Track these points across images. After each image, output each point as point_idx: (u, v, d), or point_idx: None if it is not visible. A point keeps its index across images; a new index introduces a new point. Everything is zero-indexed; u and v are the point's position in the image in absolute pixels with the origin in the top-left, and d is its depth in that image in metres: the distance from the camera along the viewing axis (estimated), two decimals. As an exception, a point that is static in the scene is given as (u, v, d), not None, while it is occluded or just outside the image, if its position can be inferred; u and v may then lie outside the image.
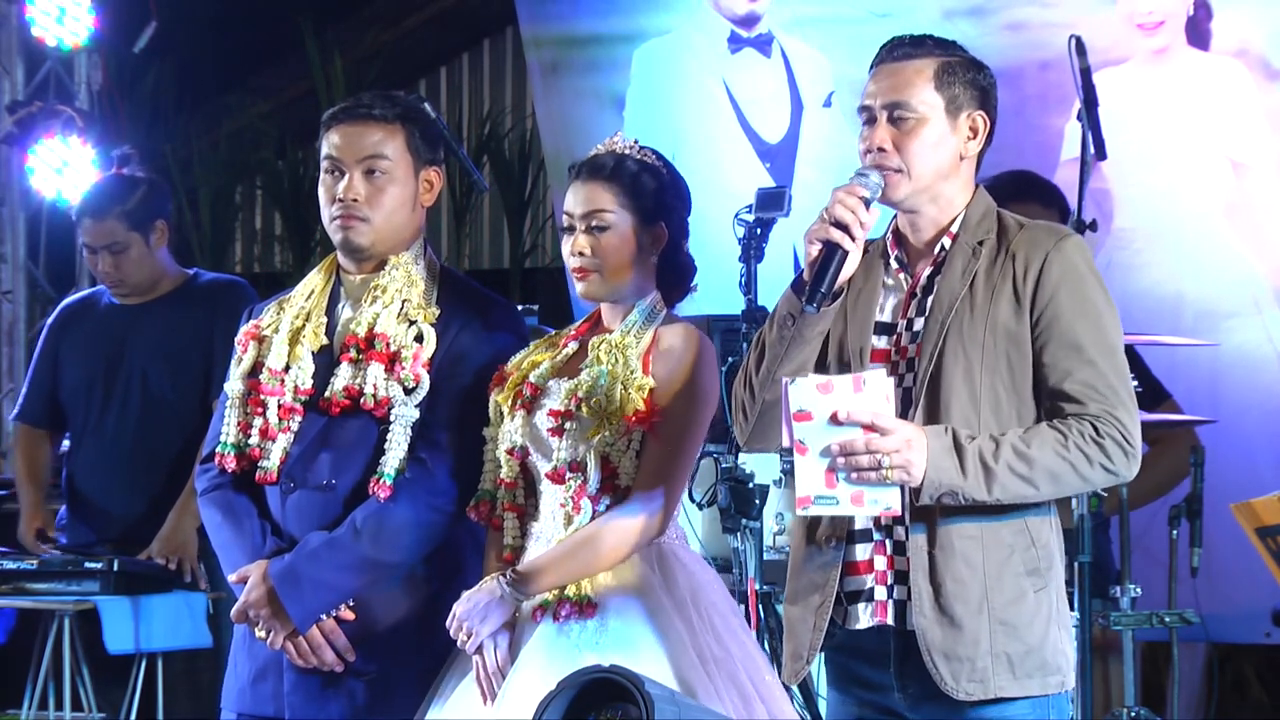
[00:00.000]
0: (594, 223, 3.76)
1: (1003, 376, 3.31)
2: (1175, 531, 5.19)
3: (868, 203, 3.30)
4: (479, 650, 3.67)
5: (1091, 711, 4.60)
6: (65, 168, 8.01)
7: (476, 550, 3.93)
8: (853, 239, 3.28)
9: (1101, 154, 4.77)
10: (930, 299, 3.37)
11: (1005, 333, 3.30)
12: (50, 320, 5.69)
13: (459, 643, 3.69)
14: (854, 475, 3.18)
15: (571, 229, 3.78)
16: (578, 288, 3.80)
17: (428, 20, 9.65)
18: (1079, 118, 4.75)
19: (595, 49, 7.77)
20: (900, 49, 3.39)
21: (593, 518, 3.67)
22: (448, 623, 3.70)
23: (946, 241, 3.39)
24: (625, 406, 3.66)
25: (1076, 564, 4.57)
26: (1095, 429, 3.25)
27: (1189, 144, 6.50)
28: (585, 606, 3.65)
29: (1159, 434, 5.52)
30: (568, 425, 3.69)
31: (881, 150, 3.34)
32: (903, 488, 3.21)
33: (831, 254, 3.28)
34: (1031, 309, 3.31)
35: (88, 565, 5.25)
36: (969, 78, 3.38)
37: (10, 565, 5.32)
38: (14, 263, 8.39)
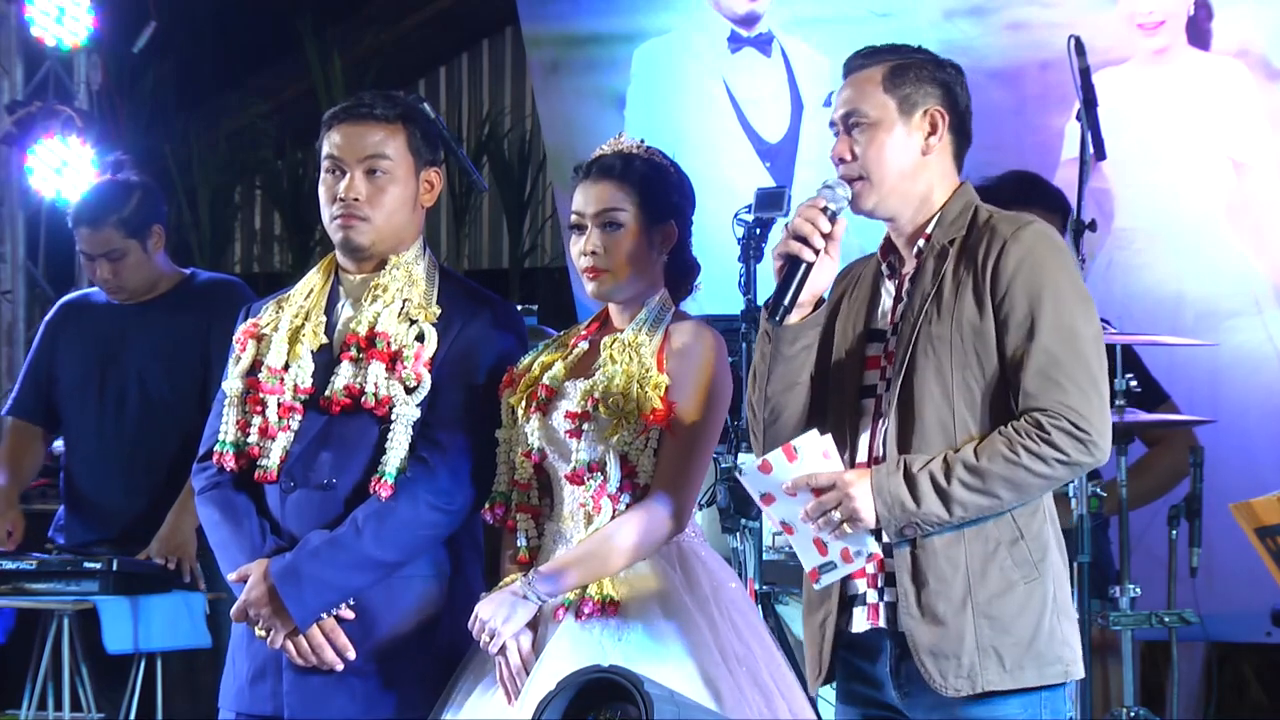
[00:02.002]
0: (606, 221, 3.76)
1: (973, 371, 3.32)
2: (1175, 531, 5.19)
3: (834, 214, 3.33)
4: (502, 650, 3.67)
5: (1091, 711, 4.60)
6: (64, 168, 8.00)
7: (474, 549, 3.94)
8: (815, 250, 3.31)
9: (1101, 154, 4.77)
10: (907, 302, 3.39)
11: (971, 329, 3.31)
12: (48, 316, 5.68)
13: (482, 644, 3.69)
14: (831, 536, 3.27)
15: (581, 228, 3.79)
16: (588, 287, 3.80)
17: (427, 20, 9.64)
18: (1078, 118, 4.75)
19: (595, 48, 7.77)
20: (855, 61, 3.45)
21: (613, 517, 3.69)
22: (470, 624, 3.71)
23: (921, 243, 3.41)
24: (642, 405, 3.66)
25: (1076, 564, 4.57)
26: (1040, 425, 3.24)
27: (1190, 144, 6.50)
28: (607, 605, 3.66)
29: (1159, 434, 5.52)
30: (585, 426, 3.70)
31: (844, 161, 3.38)
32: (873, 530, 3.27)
33: (794, 268, 3.32)
34: (992, 301, 3.31)
35: (87, 565, 5.25)
36: (924, 74, 3.40)
37: (9, 565, 5.32)
38: (13, 263, 8.38)
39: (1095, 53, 4.92)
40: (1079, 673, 3.39)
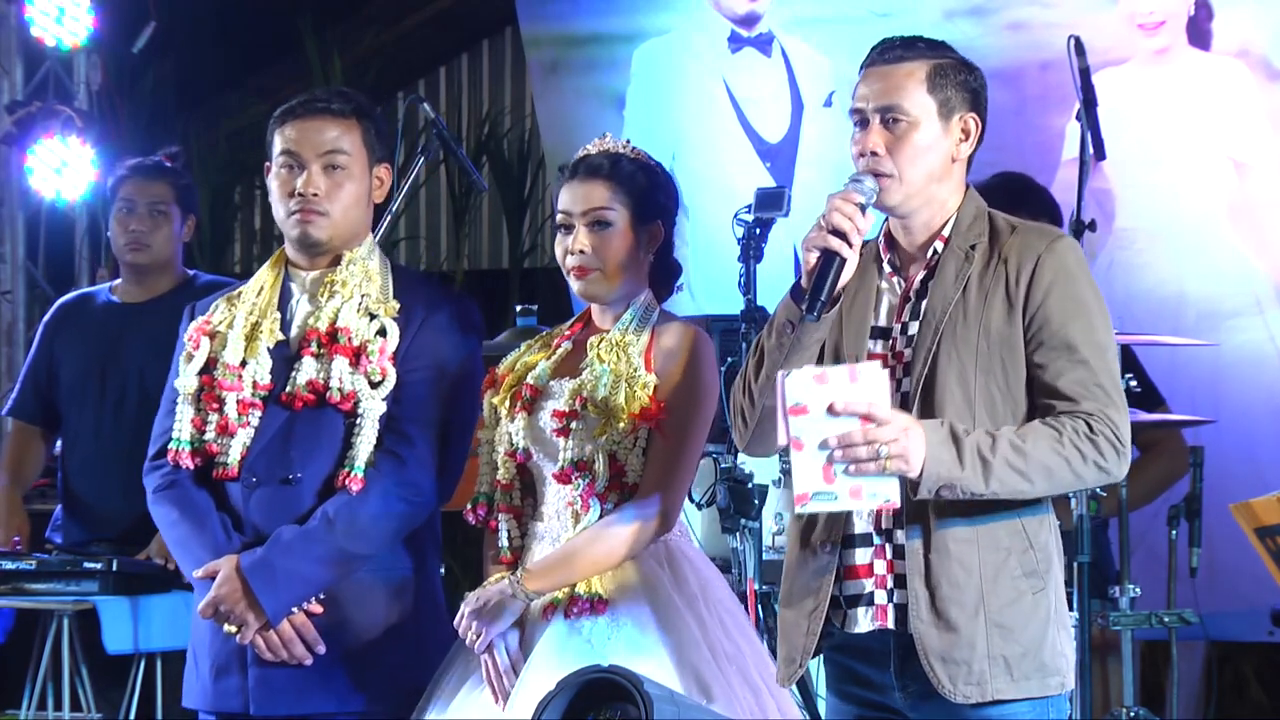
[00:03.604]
0: (595, 220, 3.76)
1: (997, 379, 3.30)
2: (1175, 531, 5.19)
3: (863, 208, 3.29)
4: (489, 649, 3.67)
5: (1091, 711, 4.60)
6: (64, 168, 8.01)
7: (435, 543, 3.99)
8: (850, 246, 3.27)
9: (1101, 154, 4.77)
10: (924, 303, 3.36)
11: (998, 336, 3.29)
12: (46, 317, 5.69)
13: (468, 642, 3.69)
14: (852, 468, 3.14)
15: (569, 227, 3.78)
16: (575, 286, 3.80)
17: (427, 20, 9.63)
18: (1078, 118, 4.75)
19: (595, 48, 7.77)
20: (892, 51, 3.37)
21: (601, 516, 3.68)
22: (456, 622, 3.72)
23: (939, 245, 3.38)
24: (631, 404, 3.67)
25: (1076, 564, 4.57)
26: (1089, 426, 3.24)
27: (1190, 144, 6.50)
28: (596, 604, 3.66)
29: (1152, 437, 5.52)
30: (574, 425, 3.70)
31: (875, 155, 3.33)
32: (901, 480, 3.18)
33: (830, 262, 3.26)
34: (1024, 311, 3.30)
35: (86, 565, 5.25)
36: (961, 79, 3.37)
37: (9, 565, 5.31)
38: (13, 263, 8.38)
39: (1095, 53, 4.92)
40: (1072, 683, 3.39)
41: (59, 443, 5.67)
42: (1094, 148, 4.74)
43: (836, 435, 3.14)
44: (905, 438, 3.15)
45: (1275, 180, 6.37)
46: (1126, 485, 4.97)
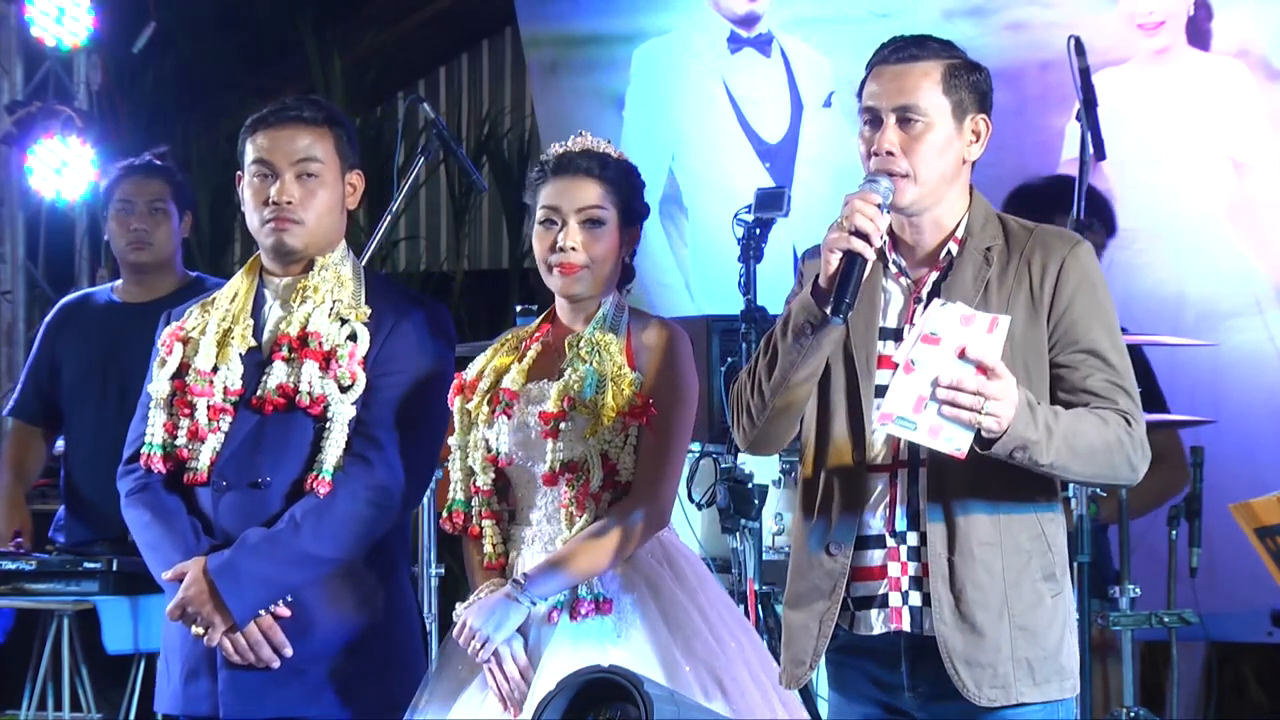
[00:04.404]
0: (588, 218, 3.75)
1: (1020, 380, 3.28)
2: (1175, 531, 5.19)
3: (881, 208, 3.27)
4: (494, 657, 3.65)
5: (1091, 711, 4.61)
6: (64, 168, 8.00)
7: (404, 548, 4.00)
8: (872, 246, 3.24)
9: (1101, 154, 4.78)
10: None
11: (1022, 338, 3.28)
12: (48, 317, 5.71)
13: (470, 650, 3.67)
14: (946, 409, 3.13)
15: (553, 223, 3.76)
16: (560, 283, 3.77)
17: (427, 20, 9.63)
18: (1078, 118, 4.75)
19: (595, 49, 7.77)
20: (905, 50, 3.35)
21: (596, 516, 3.67)
22: (455, 632, 3.70)
23: (953, 247, 3.36)
24: (619, 402, 3.65)
25: (1076, 564, 4.57)
26: (1127, 422, 3.26)
27: (1190, 144, 6.50)
28: (601, 604, 3.66)
29: (1154, 448, 5.52)
30: (562, 427, 3.68)
31: (890, 154, 3.30)
32: (977, 433, 3.15)
33: (853, 263, 3.23)
34: (1049, 315, 3.30)
35: (86, 565, 5.25)
36: (972, 80, 3.36)
37: (9, 565, 5.32)
38: (13, 263, 8.38)
39: (1095, 53, 4.92)
40: (1078, 686, 3.41)
41: (60, 443, 5.67)
42: (1094, 148, 4.74)
43: (950, 375, 3.12)
44: (1008, 399, 3.13)
45: (1275, 180, 6.37)
46: (1110, 499, 4.98)
